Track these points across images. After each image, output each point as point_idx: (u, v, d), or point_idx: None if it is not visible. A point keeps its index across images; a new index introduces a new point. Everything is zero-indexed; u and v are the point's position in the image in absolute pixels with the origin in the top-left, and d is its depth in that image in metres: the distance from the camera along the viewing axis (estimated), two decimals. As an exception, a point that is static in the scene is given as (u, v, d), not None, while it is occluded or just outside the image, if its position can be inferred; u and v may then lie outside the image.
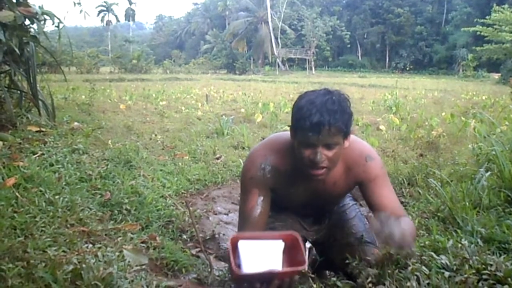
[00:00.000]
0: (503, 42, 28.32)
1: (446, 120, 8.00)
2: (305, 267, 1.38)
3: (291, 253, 1.45)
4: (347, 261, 1.57)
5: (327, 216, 2.07)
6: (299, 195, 1.84)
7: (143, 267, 1.98)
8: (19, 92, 4.55)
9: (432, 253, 1.71)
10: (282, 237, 1.47)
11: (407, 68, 55.50)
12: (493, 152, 3.29)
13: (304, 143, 1.56)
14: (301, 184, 1.78)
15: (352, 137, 1.66)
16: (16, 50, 3.95)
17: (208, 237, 2.97)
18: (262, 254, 1.38)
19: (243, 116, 8.97)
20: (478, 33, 30.01)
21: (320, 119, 1.48)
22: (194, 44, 66.87)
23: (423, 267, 1.56)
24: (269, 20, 50.75)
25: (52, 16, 4.61)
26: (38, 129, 4.13)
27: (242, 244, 1.39)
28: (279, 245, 1.42)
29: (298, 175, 1.72)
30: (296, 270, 1.39)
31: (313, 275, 1.55)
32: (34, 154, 3.38)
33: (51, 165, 3.22)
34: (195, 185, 4.03)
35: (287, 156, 1.71)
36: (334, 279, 1.55)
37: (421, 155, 5.04)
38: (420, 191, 3.62)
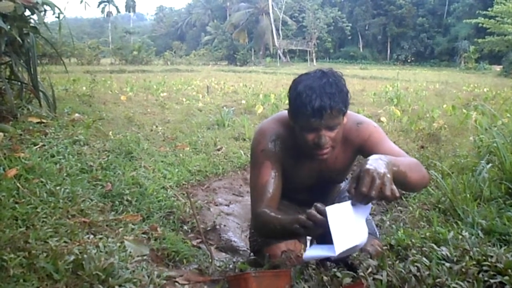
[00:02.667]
0: (505, 34, 28.18)
1: (447, 112, 7.99)
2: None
3: None
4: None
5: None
6: (304, 175, 1.85)
7: (144, 257, 1.99)
8: (19, 83, 4.54)
9: (433, 245, 1.71)
10: None
11: (409, 60, 55.30)
12: (494, 144, 3.29)
13: (306, 128, 1.57)
14: (306, 162, 1.79)
15: None
16: (19, 39, 3.94)
17: (209, 228, 2.97)
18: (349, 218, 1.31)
19: (244, 107, 8.97)
20: (480, 25, 29.85)
21: (321, 104, 1.49)
22: (195, 36, 66.69)
23: (424, 258, 1.57)
24: (270, 11, 50.52)
25: (52, 6, 4.59)
26: (39, 120, 4.13)
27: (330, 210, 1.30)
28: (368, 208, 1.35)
29: (302, 153, 1.73)
30: None
31: (315, 266, 1.56)
32: (35, 145, 3.39)
33: (52, 156, 3.22)
34: (196, 176, 4.03)
35: (292, 134, 1.72)
36: (335, 270, 1.55)
37: (422, 147, 5.03)
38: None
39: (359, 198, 1.25)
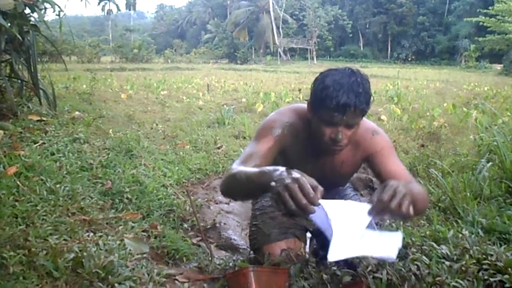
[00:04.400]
0: (506, 33, 28.15)
1: (447, 110, 7.98)
2: None
3: None
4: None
5: None
6: (308, 174, 1.83)
7: (144, 255, 1.99)
8: (20, 81, 4.54)
9: (433, 243, 1.71)
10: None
11: (409, 59, 55.21)
12: (495, 143, 3.29)
13: (326, 121, 1.57)
14: (312, 159, 1.79)
15: None
16: (19, 37, 3.93)
17: (209, 226, 2.98)
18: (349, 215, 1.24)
19: (244, 105, 8.96)
20: (481, 23, 29.78)
21: (347, 101, 1.49)
22: (195, 34, 66.64)
23: (424, 257, 1.57)
24: (271, 9, 50.48)
25: (52, 4, 4.58)
26: (39, 118, 4.13)
27: (326, 204, 1.21)
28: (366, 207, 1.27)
29: (310, 150, 1.74)
30: None
31: (314, 265, 1.56)
32: (35, 143, 3.38)
33: (52, 154, 3.22)
34: (196, 174, 4.03)
35: (306, 126, 1.72)
36: (335, 268, 1.55)
37: (423, 145, 5.04)
38: (421, 181, 3.62)
39: (378, 207, 1.21)
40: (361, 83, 1.54)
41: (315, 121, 1.63)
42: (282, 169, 1.23)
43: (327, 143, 1.61)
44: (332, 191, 2.08)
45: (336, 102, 1.49)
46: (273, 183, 1.19)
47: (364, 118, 1.74)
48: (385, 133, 1.83)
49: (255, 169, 1.38)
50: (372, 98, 1.61)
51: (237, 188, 1.51)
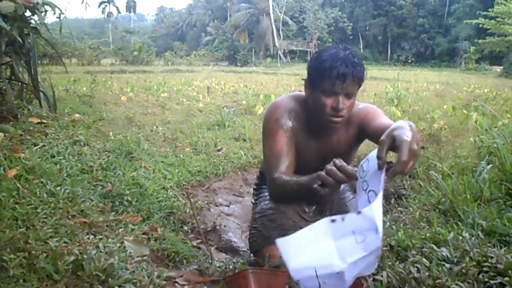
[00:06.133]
0: (506, 35, 28.15)
1: (447, 112, 7.98)
2: None
3: None
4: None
5: (328, 208, 2.08)
6: (309, 156, 1.88)
7: (144, 258, 1.99)
8: (20, 83, 4.54)
9: (433, 245, 1.71)
10: None
11: (409, 61, 55.24)
12: (495, 145, 3.28)
13: (327, 91, 1.66)
14: (313, 141, 1.86)
15: None
16: (19, 39, 3.93)
17: (209, 229, 2.97)
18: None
19: (245, 108, 8.96)
20: (481, 25, 29.82)
21: (346, 70, 1.61)
22: (196, 36, 66.72)
23: (424, 259, 1.57)
24: (271, 11, 50.54)
25: (53, 7, 4.59)
26: (39, 120, 4.13)
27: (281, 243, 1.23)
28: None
29: (309, 132, 1.82)
30: None
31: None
32: (35, 146, 3.39)
33: (52, 156, 3.22)
34: (196, 176, 4.03)
35: (305, 110, 1.82)
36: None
37: (423, 147, 5.01)
38: (421, 183, 3.62)
39: (394, 172, 1.15)
40: (355, 55, 1.68)
41: (315, 95, 1.71)
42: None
43: (328, 114, 1.68)
44: None
45: (336, 71, 1.61)
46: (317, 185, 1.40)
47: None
48: (371, 105, 1.91)
49: (305, 178, 1.56)
50: (365, 72, 1.72)
51: (292, 197, 1.75)
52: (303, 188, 1.55)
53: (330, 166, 1.35)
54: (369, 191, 1.21)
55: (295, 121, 1.82)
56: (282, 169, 1.72)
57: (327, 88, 1.65)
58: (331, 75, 1.61)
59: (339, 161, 1.34)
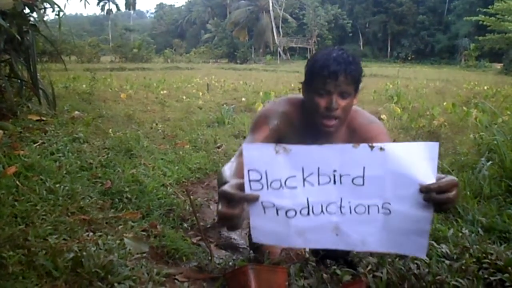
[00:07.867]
0: (506, 32, 28.12)
1: (447, 109, 7.98)
2: None
3: None
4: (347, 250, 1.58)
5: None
6: None
7: (144, 255, 1.99)
8: (19, 81, 4.54)
9: (433, 242, 1.71)
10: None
11: (409, 58, 55.16)
12: (495, 142, 3.29)
13: (320, 90, 1.62)
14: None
15: (357, 107, 1.76)
16: (18, 37, 3.93)
17: (208, 226, 2.97)
18: None
19: (244, 105, 8.96)
20: (481, 22, 29.75)
21: (337, 68, 1.58)
22: (195, 33, 66.61)
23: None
24: (271, 9, 50.43)
25: (52, 4, 4.59)
26: (38, 118, 4.13)
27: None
28: None
29: (306, 137, 1.75)
30: None
31: (314, 264, 1.56)
32: (34, 143, 3.38)
33: (52, 153, 3.22)
34: (196, 174, 4.02)
35: (301, 114, 1.78)
36: (335, 267, 1.55)
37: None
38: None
39: (439, 200, 1.21)
40: (350, 55, 1.64)
41: (309, 96, 1.68)
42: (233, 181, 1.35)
43: (322, 114, 1.64)
44: None
45: (328, 70, 1.58)
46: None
47: (364, 110, 1.80)
48: (382, 123, 1.86)
49: (228, 177, 1.54)
50: (363, 72, 1.68)
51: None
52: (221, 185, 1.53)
53: (225, 187, 1.32)
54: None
55: (284, 124, 1.79)
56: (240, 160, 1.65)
57: (320, 87, 1.62)
58: (322, 73, 1.59)
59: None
